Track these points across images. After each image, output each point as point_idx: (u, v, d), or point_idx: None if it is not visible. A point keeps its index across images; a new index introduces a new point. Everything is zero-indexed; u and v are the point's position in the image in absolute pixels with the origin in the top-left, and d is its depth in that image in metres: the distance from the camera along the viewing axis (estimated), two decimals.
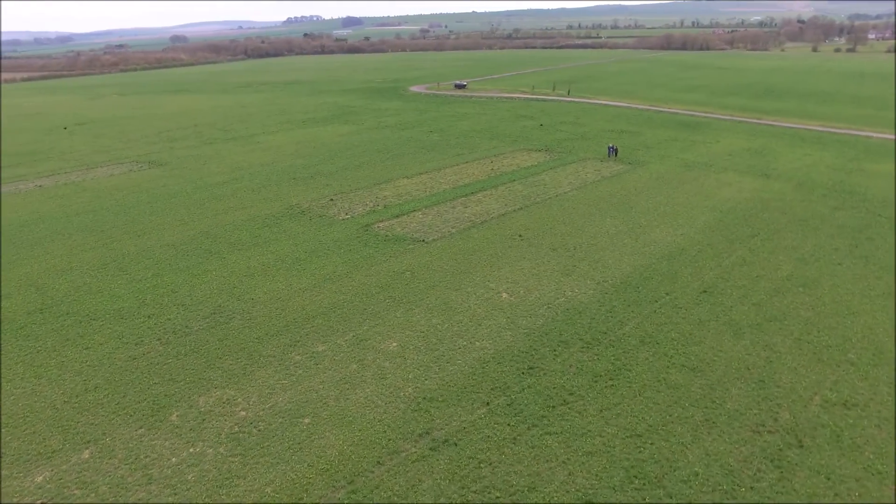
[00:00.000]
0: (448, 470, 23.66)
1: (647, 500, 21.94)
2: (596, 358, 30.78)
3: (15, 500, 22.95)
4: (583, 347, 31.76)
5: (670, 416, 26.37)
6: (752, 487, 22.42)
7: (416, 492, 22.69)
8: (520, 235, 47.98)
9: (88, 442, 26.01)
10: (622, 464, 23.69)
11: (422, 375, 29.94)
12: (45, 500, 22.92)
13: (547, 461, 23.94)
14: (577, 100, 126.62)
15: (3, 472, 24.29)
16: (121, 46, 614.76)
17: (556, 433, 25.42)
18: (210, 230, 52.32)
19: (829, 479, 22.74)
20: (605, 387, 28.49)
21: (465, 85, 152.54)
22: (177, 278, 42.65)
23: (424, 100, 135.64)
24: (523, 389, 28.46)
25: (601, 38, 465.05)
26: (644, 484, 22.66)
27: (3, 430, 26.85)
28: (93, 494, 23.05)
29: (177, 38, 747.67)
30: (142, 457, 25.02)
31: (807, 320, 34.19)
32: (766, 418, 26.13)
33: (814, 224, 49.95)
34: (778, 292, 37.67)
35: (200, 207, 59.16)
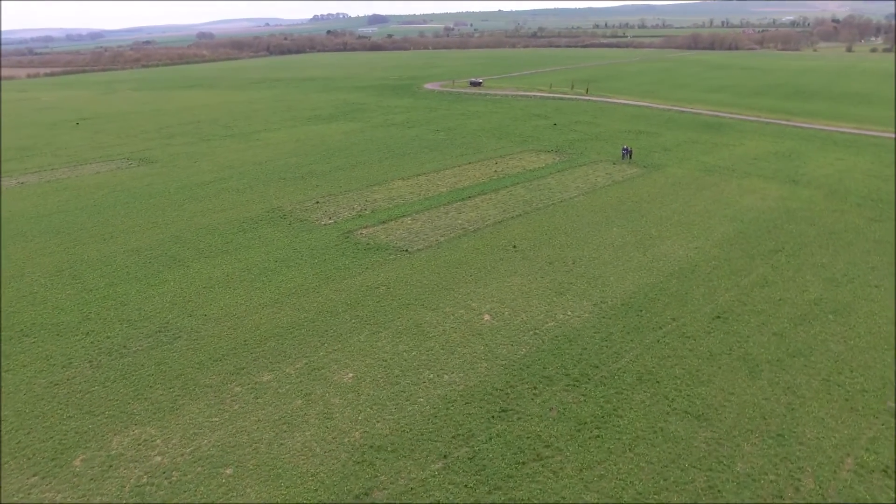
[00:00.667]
0: None
1: None
2: (582, 399, 25.92)
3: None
4: (568, 385, 26.92)
5: (666, 479, 21.47)
6: None
7: None
8: (514, 246, 43.19)
9: None
10: None
11: (374, 416, 25.35)
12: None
13: None
14: (595, 99, 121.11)
15: None
16: (148, 43, 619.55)
17: (522, 501, 20.65)
18: (181, 234, 48.31)
19: None
20: (590, 437, 23.64)
21: (480, 82, 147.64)
22: (130, 289, 38.59)
23: (437, 97, 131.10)
24: (491, 438, 23.73)
25: (627, 37, 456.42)
26: None
27: None
28: None
29: (203, 35, 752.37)
30: None
31: (838, 356, 28.97)
32: (785, 486, 21.12)
33: (847, 238, 44.42)
34: (803, 320, 32.43)
35: (178, 209, 55.25)
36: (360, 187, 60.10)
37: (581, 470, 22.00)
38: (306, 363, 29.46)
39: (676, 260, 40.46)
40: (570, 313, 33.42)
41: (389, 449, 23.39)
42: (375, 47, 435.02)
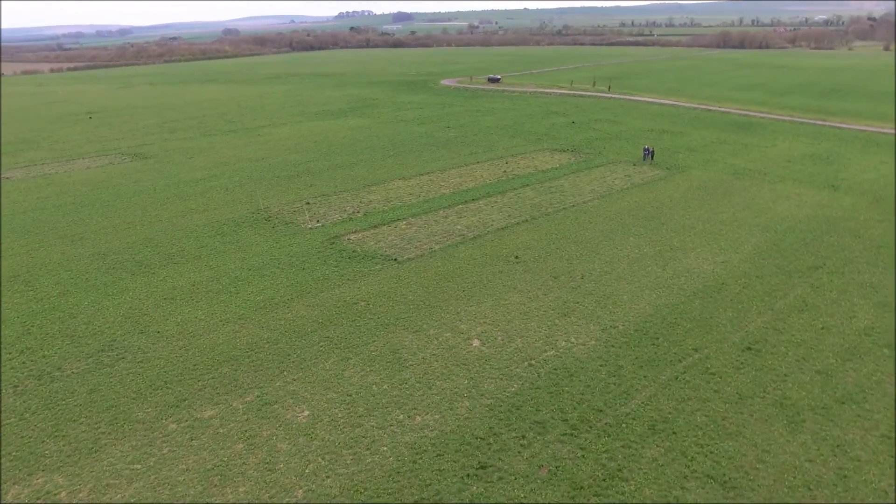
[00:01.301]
0: None
1: None
2: (580, 454, 21.11)
3: None
4: (565, 434, 22.12)
5: None
6: None
7: None
8: (516, 257, 38.42)
9: None
10: None
11: (325, 468, 20.81)
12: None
13: None
14: (617, 96, 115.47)
15: None
16: (174, 39, 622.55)
17: None
18: (155, 237, 44.25)
19: None
20: None
21: (498, 79, 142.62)
22: (84, 299, 34.52)
23: (452, 93, 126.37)
24: None
25: (653, 35, 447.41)
26: None
27: None
28: None
29: (228, 31, 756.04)
30: None
31: None
32: None
33: None
34: (853, 355, 27.24)
35: (159, 208, 51.28)
36: (357, 187, 55.66)
37: None
38: (258, 395, 25.00)
39: (700, 276, 35.36)
40: (573, 340, 28.56)
41: None
42: (398, 44, 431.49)
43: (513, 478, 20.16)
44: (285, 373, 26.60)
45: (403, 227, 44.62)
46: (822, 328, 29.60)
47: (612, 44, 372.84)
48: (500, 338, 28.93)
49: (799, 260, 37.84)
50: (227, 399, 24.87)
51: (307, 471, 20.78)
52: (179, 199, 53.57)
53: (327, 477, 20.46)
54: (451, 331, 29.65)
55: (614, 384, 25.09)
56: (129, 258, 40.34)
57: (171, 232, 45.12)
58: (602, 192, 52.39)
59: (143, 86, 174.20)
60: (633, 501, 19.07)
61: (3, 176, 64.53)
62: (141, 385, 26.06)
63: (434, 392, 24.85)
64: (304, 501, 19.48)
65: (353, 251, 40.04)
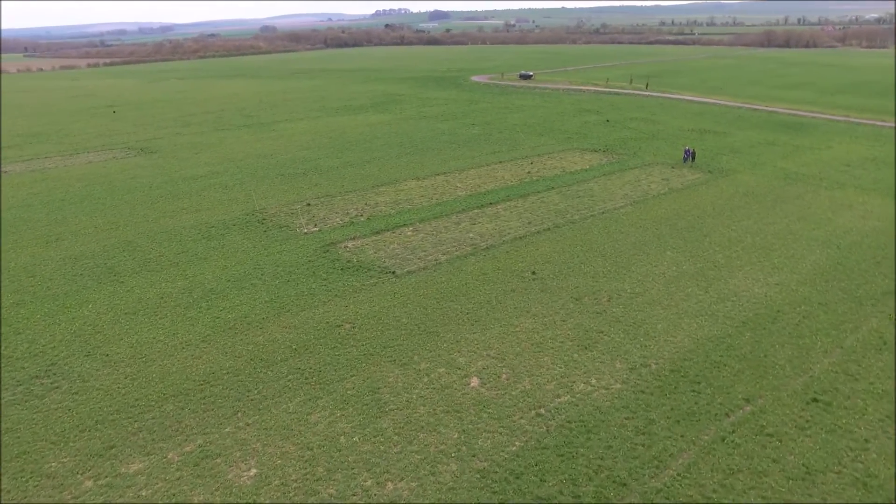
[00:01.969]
0: None
1: None
2: None
3: None
4: None
5: None
6: None
7: None
8: (533, 272, 33.15)
9: None
10: None
11: None
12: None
13: None
14: (655, 94, 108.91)
15: None
16: (212, 35, 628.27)
17: None
18: (136, 239, 40.11)
19: None
20: None
21: (531, 76, 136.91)
22: (38, 311, 30.36)
23: (482, 90, 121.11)
24: None
25: (694, 34, 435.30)
26: None
27: None
28: None
29: (266, 28, 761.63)
30: None
31: None
32: None
33: None
34: None
35: (150, 207, 47.27)
36: (366, 187, 50.92)
37: None
38: (200, 445, 20.29)
39: (751, 302, 29.68)
40: (594, 382, 23.25)
41: None
42: (432, 41, 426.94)
43: None
44: (240, 414, 21.85)
45: (409, 233, 39.70)
46: None
47: (650, 42, 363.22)
48: (504, 376, 23.76)
49: (869, 283, 31.86)
50: (163, 448, 20.21)
51: None
52: (173, 198, 49.50)
53: None
54: (446, 365, 24.58)
55: (643, 446, 19.75)
56: (101, 264, 36.16)
57: (155, 234, 40.92)
58: (636, 198, 46.75)
59: (172, 80, 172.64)
60: None
61: (2, 170, 61.41)
62: (67, 425, 21.57)
63: (415, 449, 19.83)
64: None
65: (348, 261, 35.23)
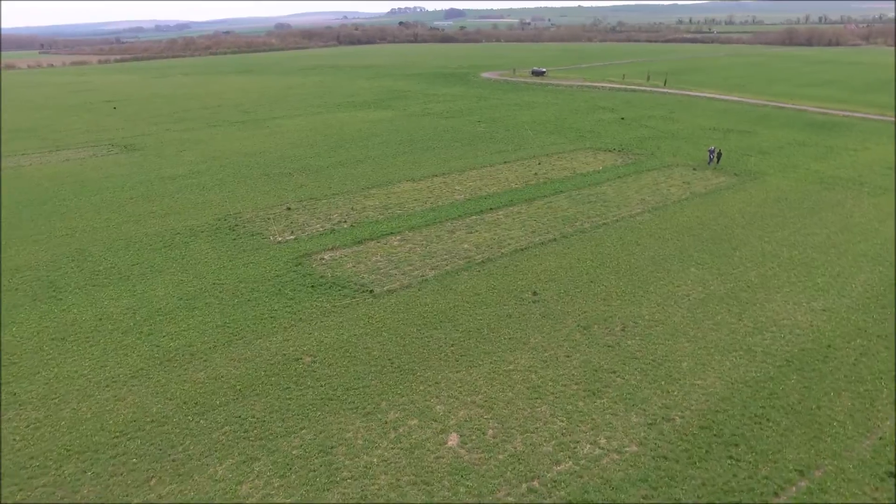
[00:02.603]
0: None
1: None
2: None
3: None
4: None
5: None
6: None
7: None
8: (534, 293, 28.30)
9: None
10: None
11: None
12: None
13: None
14: (674, 91, 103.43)
15: None
16: (227, 33, 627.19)
17: None
18: (89, 247, 35.72)
19: None
20: None
21: (543, 72, 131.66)
22: None
23: (491, 86, 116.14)
24: None
25: (713, 32, 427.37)
26: None
27: None
28: None
29: (280, 26, 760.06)
30: None
31: None
32: None
33: None
34: None
35: (115, 210, 42.94)
36: (355, 189, 46.29)
37: None
38: None
39: (794, 333, 24.66)
40: (603, 443, 18.40)
41: None
42: (446, 39, 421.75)
43: None
44: (153, 481, 17.26)
45: (396, 243, 34.97)
46: None
47: (668, 41, 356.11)
48: (491, 432, 18.97)
49: None
50: None
51: None
52: (144, 200, 45.14)
53: None
54: (420, 415, 19.83)
55: None
56: (42, 277, 31.76)
57: (112, 242, 36.51)
58: (654, 204, 41.74)
59: (178, 76, 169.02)
60: None
61: None
62: None
63: None
64: None
65: (321, 277, 30.56)
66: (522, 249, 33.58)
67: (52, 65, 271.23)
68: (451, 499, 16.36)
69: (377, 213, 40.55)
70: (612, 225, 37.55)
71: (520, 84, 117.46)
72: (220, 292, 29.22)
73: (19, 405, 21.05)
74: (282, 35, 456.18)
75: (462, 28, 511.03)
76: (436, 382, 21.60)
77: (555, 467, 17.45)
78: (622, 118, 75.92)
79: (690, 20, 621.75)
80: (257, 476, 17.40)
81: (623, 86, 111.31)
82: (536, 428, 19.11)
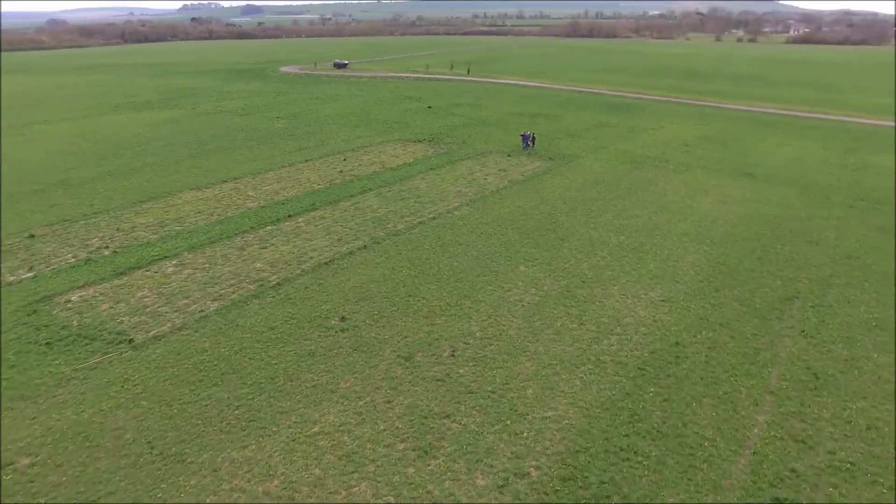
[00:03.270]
0: None
1: None
2: None
3: None
4: None
5: None
6: None
7: None
8: (342, 318, 23.10)
9: None
10: None
11: None
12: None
13: None
14: (478, 79, 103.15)
15: None
16: None
17: None
18: None
19: None
20: None
21: (346, 64, 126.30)
22: None
23: (291, 81, 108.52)
24: None
25: (506, 25, 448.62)
26: None
27: None
28: None
29: (53, 22, 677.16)
30: None
31: None
32: None
33: (874, 264, 27.85)
34: None
35: None
36: (125, 205, 37.94)
37: None
38: None
39: (640, 333, 21.87)
40: None
41: None
42: (244, 35, 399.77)
43: None
44: None
45: (170, 270, 27.94)
46: (868, 425, 16.78)
47: (465, 33, 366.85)
48: None
49: (761, 287, 25.54)
50: None
51: None
52: None
53: None
54: None
55: None
56: None
57: None
58: (472, 195, 38.30)
59: None
60: None
61: None
62: None
63: None
64: None
65: (63, 328, 22.93)
66: (327, 263, 28.17)
67: None
68: None
69: (150, 233, 32.91)
70: (428, 223, 33.35)
71: (322, 77, 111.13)
72: None
73: None
74: (55, 32, 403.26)
75: (260, 24, 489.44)
76: (214, 469, 15.66)
77: None
78: (429, 107, 72.88)
79: (485, 15, 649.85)
80: None
81: (428, 75, 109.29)
82: None
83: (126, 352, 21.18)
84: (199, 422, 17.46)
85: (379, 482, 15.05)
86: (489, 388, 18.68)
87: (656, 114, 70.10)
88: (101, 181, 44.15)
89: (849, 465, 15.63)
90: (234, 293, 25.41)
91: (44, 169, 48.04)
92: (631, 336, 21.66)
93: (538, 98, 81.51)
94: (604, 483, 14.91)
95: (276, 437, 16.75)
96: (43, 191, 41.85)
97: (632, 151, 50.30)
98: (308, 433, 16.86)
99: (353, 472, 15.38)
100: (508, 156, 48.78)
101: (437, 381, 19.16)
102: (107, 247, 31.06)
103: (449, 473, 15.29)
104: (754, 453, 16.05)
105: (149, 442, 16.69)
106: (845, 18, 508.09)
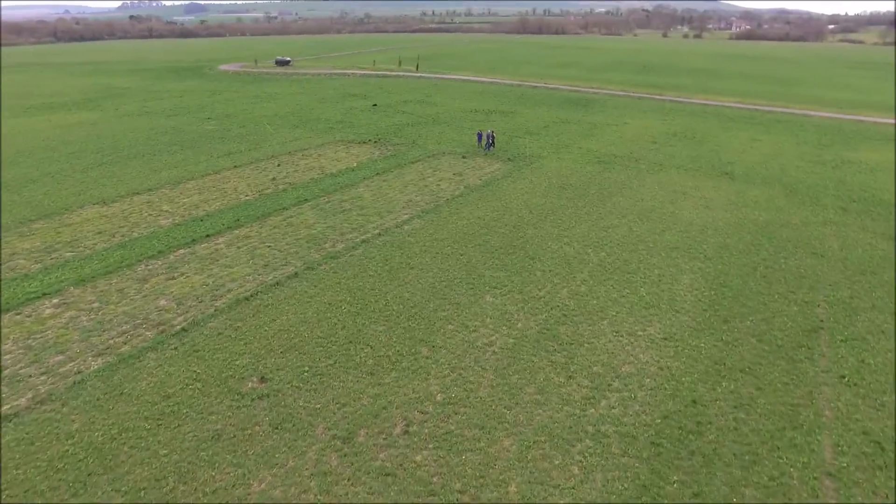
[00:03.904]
0: None
1: None
2: None
3: None
4: None
5: None
6: None
7: None
8: (262, 379, 17.65)
9: None
10: None
11: None
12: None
13: None
14: (428, 75, 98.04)
15: None
16: None
17: None
18: None
19: None
20: None
21: (288, 61, 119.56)
22: None
23: (230, 79, 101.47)
24: None
25: (455, 23, 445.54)
26: None
27: None
28: None
29: None
30: None
31: None
32: None
33: (888, 277, 23.97)
34: None
35: None
36: (8, 225, 31.61)
37: None
38: None
39: (645, 387, 17.18)
40: None
41: None
42: (186, 34, 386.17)
43: None
44: None
45: (48, 313, 22.00)
46: None
47: (415, 31, 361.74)
48: None
49: (778, 317, 21.20)
50: None
51: None
52: None
53: None
54: None
55: None
56: None
57: None
58: (424, 205, 33.20)
59: None
60: None
61: None
62: None
63: None
64: None
65: None
66: (247, 298, 22.64)
67: None
68: None
69: (32, 262, 26.75)
70: (373, 241, 28.08)
71: (262, 75, 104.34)
72: None
73: None
74: None
75: (203, 22, 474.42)
76: None
77: None
78: (374, 105, 67.39)
79: (433, 12, 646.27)
80: None
81: (375, 72, 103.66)
82: None
83: None
84: None
85: None
86: (457, 487, 13.60)
87: (617, 108, 66.25)
88: None
89: None
90: (124, 344, 19.69)
91: None
92: (634, 392, 16.89)
93: (492, 94, 76.86)
94: None
95: None
96: None
97: (597, 150, 45.97)
98: None
99: None
100: (463, 157, 43.87)
101: (386, 475, 14.00)
102: None
103: None
104: None
105: None
106: (783, 16, 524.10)
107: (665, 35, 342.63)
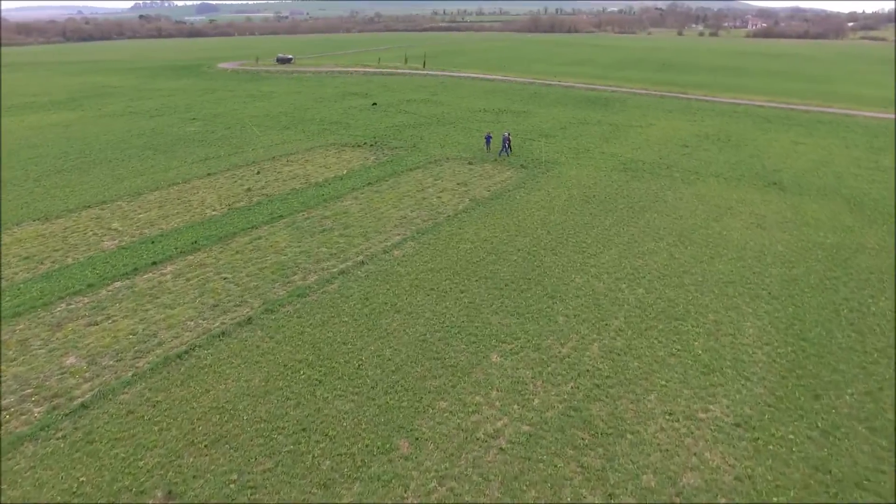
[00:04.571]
0: None
1: None
2: None
3: None
4: None
5: None
6: None
7: None
8: (169, 493, 12.12)
9: None
10: None
11: None
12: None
13: None
14: (435, 73, 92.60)
15: None
16: None
17: None
18: None
19: None
20: None
21: (290, 59, 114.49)
22: None
23: (226, 77, 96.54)
24: None
25: (466, 21, 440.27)
26: None
27: None
28: None
29: None
30: None
31: None
32: None
33: None
34: None
35: None
36: None
37: None
38: None
39: None
40: None
41: None
42: (195, 33, 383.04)
43: None
44: None
45: None
46: None
47: (425, 29, 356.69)
48: None
49: (886, 389, 15.45)
50: None
51: None
52: None
53: None
54: None
55: None
56: None
57: None
58: (421, 223, 27.77)
59: None
60: None
61: None
62: None
63: None
64: None
65: None
66: (181, 355, 17.28)
67: None
68: None
69: None
70: (353, 272, 22.66)
71: (261, 73, 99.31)
72: None
73: None
74: None
75: (212, 21, 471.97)
76: None
77: None
78: (374, 104, 62.03)
79: (444, 12, 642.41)
80: None
81: (379, 70, 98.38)
82: None
83: None
84: None
85: None
86: None
87: (640, 108, 60.54)
88: None
89: None
90: (7, 425, 14.35)
91: None
92: None
93: (502, 92, 71.29)
94: None
95: None
96: None
97: (622, 155, 40.39)
98: None
99: None
100: (470, 163, 38.41)
101: None
102: None
103: None
104: None
105: None
106: (799, 14, 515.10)
107: (680, 33, 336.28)
